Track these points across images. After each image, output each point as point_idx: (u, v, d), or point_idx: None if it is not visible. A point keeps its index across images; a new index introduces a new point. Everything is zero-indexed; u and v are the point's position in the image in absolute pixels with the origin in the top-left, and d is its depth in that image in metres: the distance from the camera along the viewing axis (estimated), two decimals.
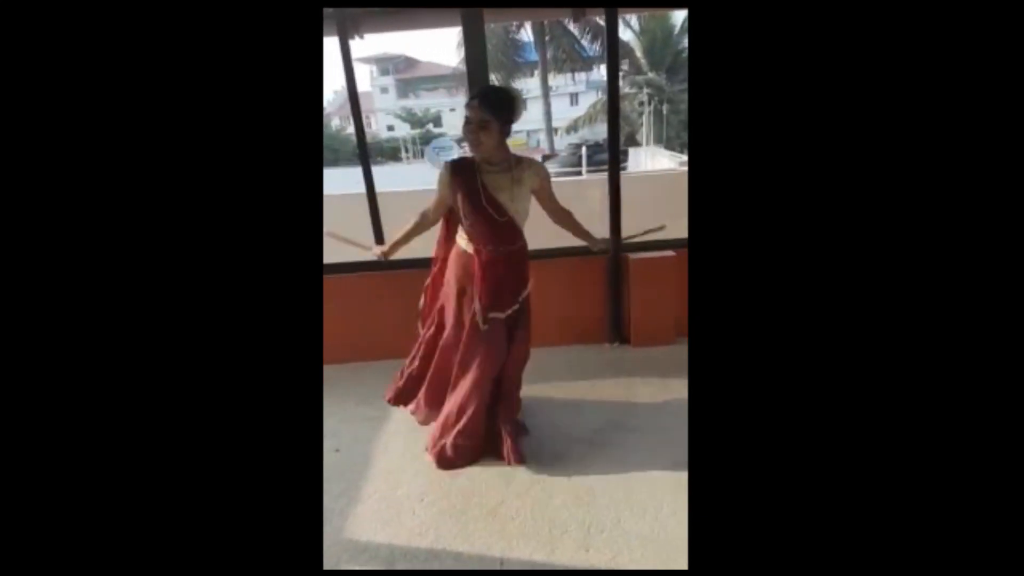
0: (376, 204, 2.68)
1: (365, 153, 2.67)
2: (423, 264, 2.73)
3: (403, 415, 2.31)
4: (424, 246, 2.95)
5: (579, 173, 12.53)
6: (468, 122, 1.70)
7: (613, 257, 2.70)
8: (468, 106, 1.70)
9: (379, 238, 2.71)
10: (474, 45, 2.40)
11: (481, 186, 1.76)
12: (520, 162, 1.80)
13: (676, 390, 2.34)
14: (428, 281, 2.12)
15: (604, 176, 2.71)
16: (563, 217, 1.96)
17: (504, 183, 1.77)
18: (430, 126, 27.21)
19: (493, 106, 1.68)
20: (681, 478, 1.79)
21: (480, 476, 1.89)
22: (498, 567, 1.52)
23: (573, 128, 20.00)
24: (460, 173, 1.78)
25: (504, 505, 1.74)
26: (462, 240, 1.90)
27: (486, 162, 1.77)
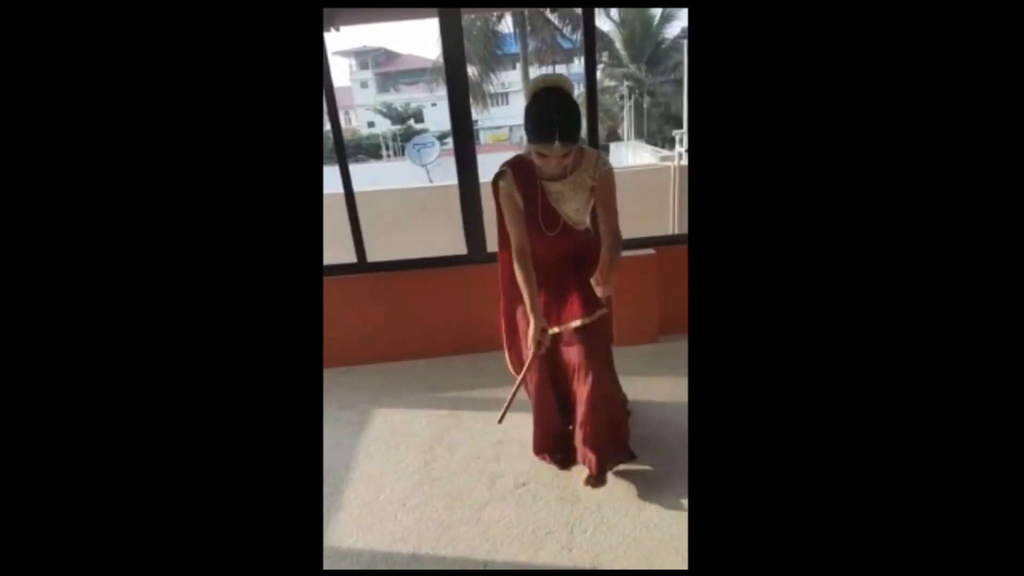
0: (354, 204, 2.63)
1: (342, 151, 2.62)
2: (404, 266, 2.72)
3: (385, 420, 2.29)
4: (408, 247, 2.93)
5: None
6: (546, 157, 1.46)
7: None
8: (548, 151, 1.43)
9: (357, 240, 2.68)
10: (451, 38, 2.37)
11: (541, 192, 1.54)
12: (581, 161, 1.54)
13: (659, 389, 2.35)
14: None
15: None
16: (606, 238, 1.55)
17: (566, 190, 1.55)
18: (411, 122, 26.95)
19: (575, 134, 1.44)
20: (663, 478, 1.80)
21: (463, 479, 1.87)
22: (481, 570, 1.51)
23: None
24: (520, 176, 1.54)
25: (488, 508, 1.73)
26: None
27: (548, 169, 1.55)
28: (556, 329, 1.65)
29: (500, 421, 1.77)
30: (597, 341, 1.66)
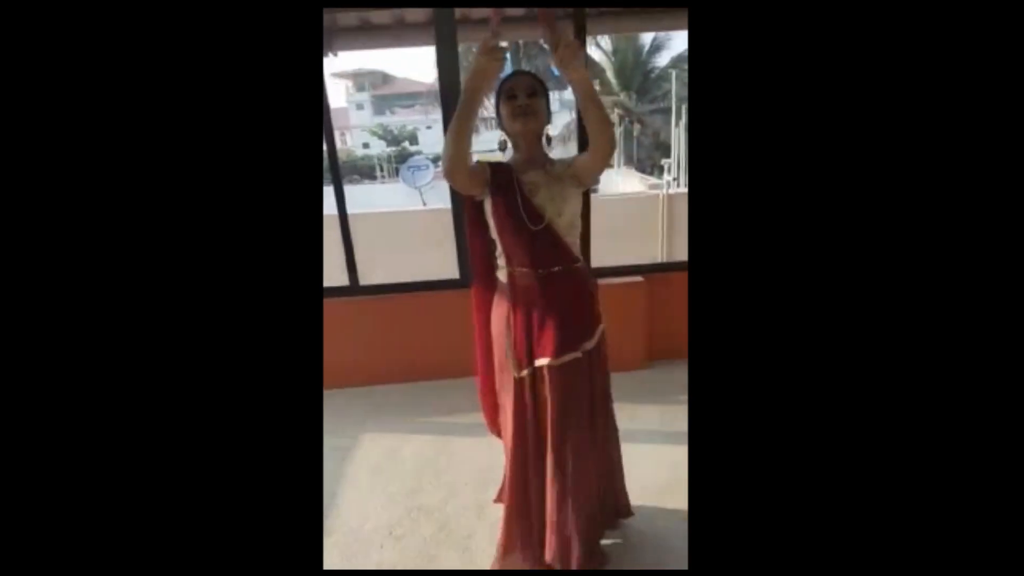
0: (348, 226, 2.63)
1: (337, 172, 2.63)
2: (396, 289, 2.71)
3: (371, 446, 2.25)
4: (400, 270, 2.92)
5: None
6: (514, 96, 1.40)
7: None
8: (516, 84, 1.40)
9: (350, 262, 2.67)
10: (448, 64, 2.41)
11: (517, 184, 1.42)
12: (557, 162, 1.48)
13: (646, 416, 2.34)
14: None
15: None
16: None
17: (540, 179, 1.43)
18: (406, 144, 27.18)
19: (539, 78, 1.44)
20: (649, 505, 1.77)
21: (451, 508, 1.84)
22: None
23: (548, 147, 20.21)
24: (497, 172, 1.44)
25: (475, 537, 1.69)
26: (500, 271, 1.53)
27: (523, 162, 1.46)
28: (523, 373, 1.44)
29: None
30: (574, 389, 1.44)
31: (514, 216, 1.41)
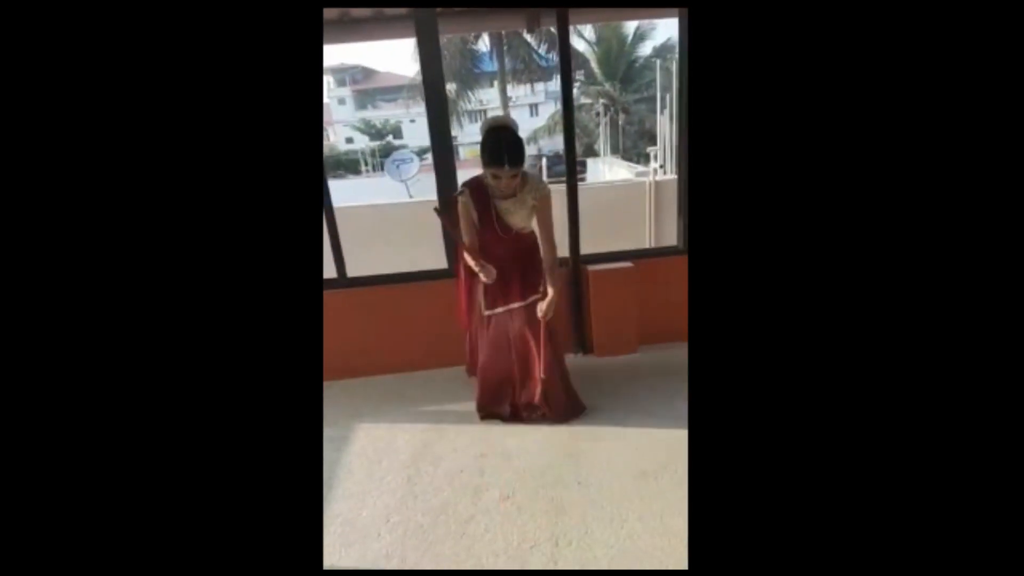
0: (334, 219, 2.63)
1: (321, 165, 2.62)
2: (385, 281, 2.72)
3: (366, 436, 2.27)
4: (388, 262, 2.92)
5: None
6: (498, 178, 1.87)
7: (573, 269, 2.73)
8: (500, 172, 1.85)
9: (337, 255, 2.67)
10: (429, 56, 2.40)
11: (493, 208, 1.99)
12: (525, 184, 1.98)
13: (638, 399, 2.37)
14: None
15: (563, 187, 2.73)
16: (546, 255, 2.06)
17: (513, 207, 1.99)
18: (390, 138, 26.98)
19: (520, 160, 1.86)
20: (646, 487, 1.81)
21: (447, 494, 1.86)
22: None
23: (532, 139, 20.15)
24: (476, 195, 1.98)
25: (473, 522, 1.72)
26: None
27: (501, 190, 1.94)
28: (500, 309, 2.10)
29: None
30: (536, 319, 2.08)
31: (491, 229, 2.02)
